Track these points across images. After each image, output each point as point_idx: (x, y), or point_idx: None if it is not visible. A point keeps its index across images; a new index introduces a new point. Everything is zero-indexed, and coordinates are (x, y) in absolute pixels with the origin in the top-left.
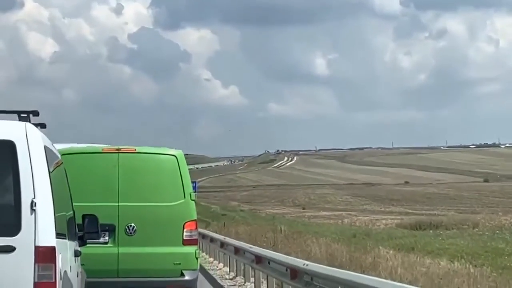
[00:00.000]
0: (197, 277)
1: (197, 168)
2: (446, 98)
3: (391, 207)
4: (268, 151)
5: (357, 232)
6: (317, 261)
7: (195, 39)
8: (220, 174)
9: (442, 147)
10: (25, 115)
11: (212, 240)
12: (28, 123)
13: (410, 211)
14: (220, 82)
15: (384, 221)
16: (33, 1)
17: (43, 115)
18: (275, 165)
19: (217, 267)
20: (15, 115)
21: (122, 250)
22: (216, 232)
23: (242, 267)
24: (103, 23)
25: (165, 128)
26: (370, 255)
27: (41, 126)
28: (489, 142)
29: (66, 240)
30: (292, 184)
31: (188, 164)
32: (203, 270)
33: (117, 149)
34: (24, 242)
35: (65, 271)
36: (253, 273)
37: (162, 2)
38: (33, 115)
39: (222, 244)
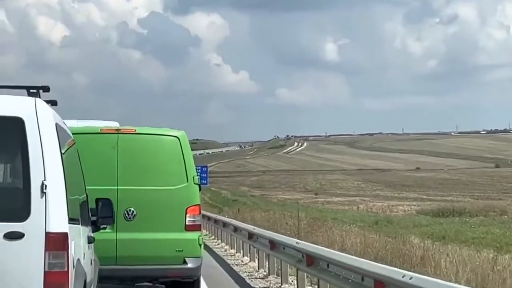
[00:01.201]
0: (200, 264)
1: (207, 153)
2: (456, 84)
3: (404, 192)
4: (277, 137)
5: (378, 219)
6: (354, 254)
7: (205, 24)
8: (230, 159)
9: (452, 133)
10: (35, 90)
11: (236, 229)
12: (38, 99)
13: (424, 197)
14: (230, 67)
15: (401, 207)
16: None
17: (52, 98)
18: (284, 151)
19: (242, 261)
20: (24, 91)
21: (120, 236)
22: (234, 219)
23: (276, 265)
24: (113, 8)
25: (175, 113)
26: (411, 247)
27: (52, 103)
28: (500, 128)
29: (79, 226)
30: (302, 169)
31: (198, 149)
32: (226, 266)
33: (116, 130)
34: (33, 228)
35: (78, 259)
36: (291, 271)
37: None
38: (44, 91)
39: (251, 236)
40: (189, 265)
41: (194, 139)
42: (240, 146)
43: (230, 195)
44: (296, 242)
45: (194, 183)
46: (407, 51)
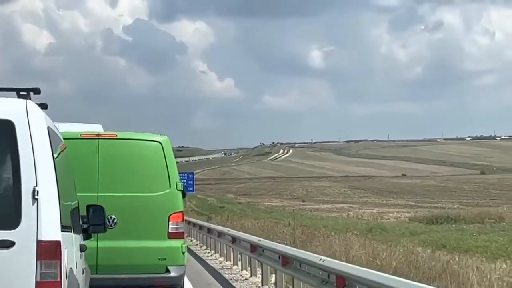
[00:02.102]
0: (183, 273)
1: (193, 160)
2: (442, 90)
3: (392, 199)
4: (263, 144)
5: (371, 226)
6: (360, 265)
7: (190, 31)
8: (216, 167)
9: (438, 140)
10: (25, 93)
11: (235, 240)
12: (29, 101)
13: (413, 203)
14: (216, 75)
15: (391, 214)
16: None
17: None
18: (270, 158)
19: (241, 276)
20: (14, 93)
21: (101, 244)
22: (231, 229)
23: (285, 282)
24: (98, 15)
25: (160, 120)
26: (420, 257)
27: (42, 106)
28: (485, 134)
29: (72, 234)
30: (288, 176)
31: (184, 157)
32: (223, 281)
33: (97, 135)
34: (24, 236)
35: (70, 268)
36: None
37: None
38: (34, 93)
39: (255, 248)
40: (172, 274)
41: (179, 147)
42: (225, 153)
43: (216, 202)
44: (320, 259)
45: (177, 189)
46: (392, 58)
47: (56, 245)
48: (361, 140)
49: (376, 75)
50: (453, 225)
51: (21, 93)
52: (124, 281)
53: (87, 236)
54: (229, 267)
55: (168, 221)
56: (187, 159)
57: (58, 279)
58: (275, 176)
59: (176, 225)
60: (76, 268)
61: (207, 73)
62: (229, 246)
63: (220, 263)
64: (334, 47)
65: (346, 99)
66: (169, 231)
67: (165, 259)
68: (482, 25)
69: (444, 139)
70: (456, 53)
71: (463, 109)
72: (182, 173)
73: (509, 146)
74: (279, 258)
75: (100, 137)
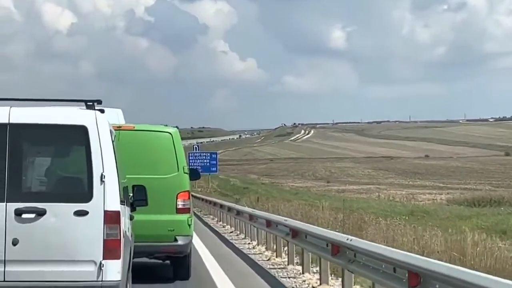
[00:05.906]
0: (189, 242)
1: (213, 141)
2: (464, 71)
3: (418, 180)
4: (284, 124)
5: (410, 209)
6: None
7: (212, 11)
8: (237, 147)
9: (460, 121)
10: (91, 103)
11: (296, 233)
12: (97, 112)
13: (441, 185)
14: (238, 55)
15: (424, 196)
16: None
17: (60, 87)
18: (292, 138)
19: (305, 281)
20: (83, 104)
21: None
22: (288, 217)
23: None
24: None
25: (182, 101)
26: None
27: (101, 111)
28: (508, 116)
29: (125, 206)
30: (310, 157)
31: (205, 137)
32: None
33: (118, 127)
34: (95, 207)
35: (125, 231)
36: None
37: None
38: (97, 104)
39: (337, 249)
40: (179, 242)
41: (200, 127)
42: (240, 136)
43: (239, 183)
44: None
45: (184, 172)
46: (414, 38)
47: (117, 213)
48: (383, 121)
49: (398, 56)
50: (502, 208)
51: (88, 103)
52: (140, 248)
53: (133, 209)
54: (282, 265)
55: (177, 198)
56: (208, 139)
57: (118, 238)
58: (297, 157)
59: (183, 201)
60: (128, 231)
61: (228, 54)
62: (285, 240)
63: (269, 259)
64: (356, 27)
65: (368, 79)
66: (177, 207)
67: (173, 230)
68: (506, 5)
69: (467, 120)
70: (479, 33)
71: (486, 90)
72: (205, 152)
73: None
74: (395, 271)
75: (120, 129)
